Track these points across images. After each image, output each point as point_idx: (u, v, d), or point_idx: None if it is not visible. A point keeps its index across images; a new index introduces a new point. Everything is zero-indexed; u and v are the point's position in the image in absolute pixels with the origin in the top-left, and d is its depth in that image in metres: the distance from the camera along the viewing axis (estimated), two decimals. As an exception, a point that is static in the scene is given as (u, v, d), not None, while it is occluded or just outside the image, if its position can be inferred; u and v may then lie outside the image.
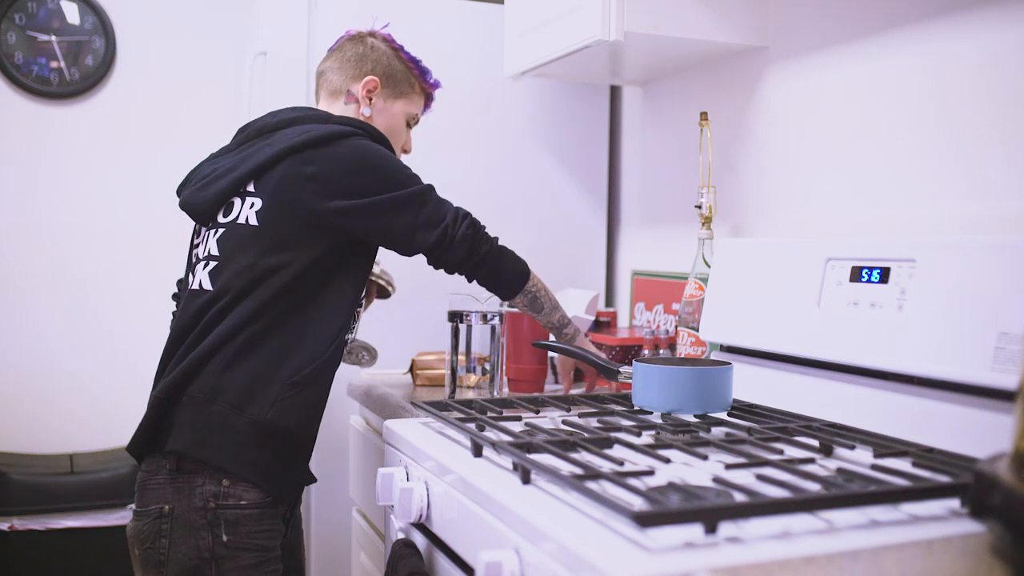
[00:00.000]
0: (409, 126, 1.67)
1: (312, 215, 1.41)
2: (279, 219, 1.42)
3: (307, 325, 1.42)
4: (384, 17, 1.83)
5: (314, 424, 1.46)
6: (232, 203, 1.46)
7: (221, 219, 1.46)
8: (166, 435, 1.37)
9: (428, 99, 1.71)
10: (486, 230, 1.54)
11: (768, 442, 1.16)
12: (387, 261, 1.78)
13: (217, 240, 1.45)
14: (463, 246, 1.48)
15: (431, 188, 1.50)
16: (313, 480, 1.51)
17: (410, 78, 1.64)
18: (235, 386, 1.36)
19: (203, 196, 1.49)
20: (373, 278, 1.75)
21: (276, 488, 1.39)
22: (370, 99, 1.59)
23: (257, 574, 1.37)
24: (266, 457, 1.37)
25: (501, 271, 1.54)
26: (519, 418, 1.33)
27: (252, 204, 1.44)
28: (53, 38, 2.83)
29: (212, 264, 1.44)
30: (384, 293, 1.79)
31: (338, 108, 1.59)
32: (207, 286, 1.43)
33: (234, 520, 1.34)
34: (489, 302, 1.71)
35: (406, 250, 1.51)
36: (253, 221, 1.43)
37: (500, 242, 1.57)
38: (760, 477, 0.97)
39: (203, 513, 1.33)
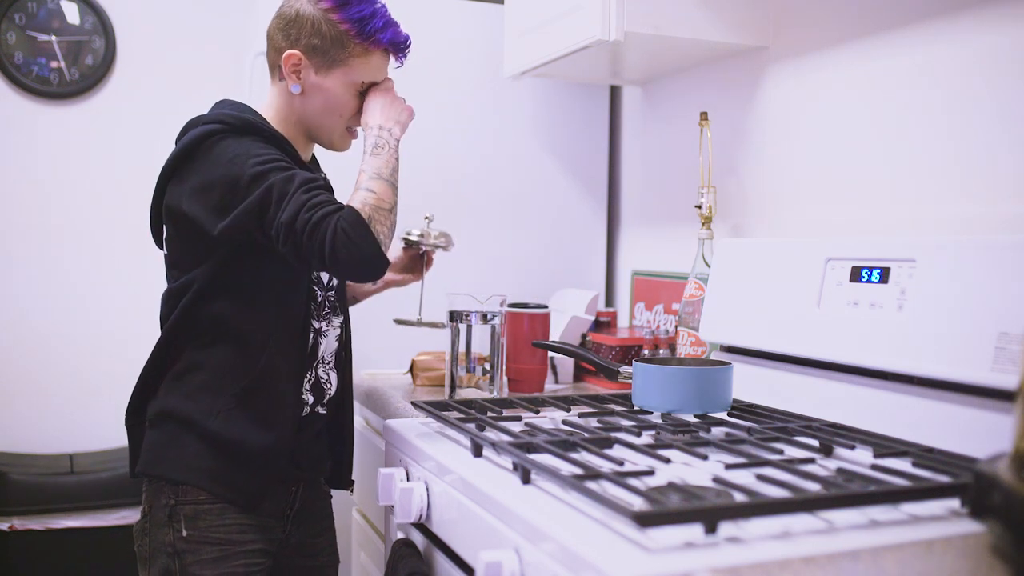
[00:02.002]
0: (362, 93, 1.48)
1: (192, 230, 1.38)
2: (176, 241, 1.42)
3: (240, 336, 1.40)
4: (384, 17, 1.82)
5: (271, 434, 1.40)
6: (164, 232, 1.47)
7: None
8: (138, 459, 1.45)
9: (392, 52, 1.48)
10: (310, 226, 1.28)
11: (768, 442, 1.16)
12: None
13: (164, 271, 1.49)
14: (294, 260, 1.33)
15: (270, 189, 1.30)
16: (298, 480, 1.48)
17: (343, 41, 1.42)
18: (182, 404, 1.39)
19: (153, 235, 1.52)
20: (425, 247, 1.69)
21: (229, 492, 1.38)
22: (297, 75, 1.43)
23: (222, 568, 1.37)
24: (217, 465, 1.38)
25: (349, 263, 1.30)
26: (519, 418, 1.33)
27: (165, 232, 1.45)
28: (53, 38, 2.83)
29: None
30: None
31: (275, 85, 1.48)
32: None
33: (192, 515, 1.37)
34: (489, 302, 1.71)
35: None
36: (166, 250, 1.46)
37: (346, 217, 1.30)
38: (760, 477, 0.97)
39: (166, 510, 1.37)
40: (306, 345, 1.46)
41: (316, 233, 1.28)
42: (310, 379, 1.48)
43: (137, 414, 1.46)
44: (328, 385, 1.51)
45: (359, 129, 1.52)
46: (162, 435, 1.41)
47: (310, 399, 1.48)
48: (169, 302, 1.43)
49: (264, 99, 1.51)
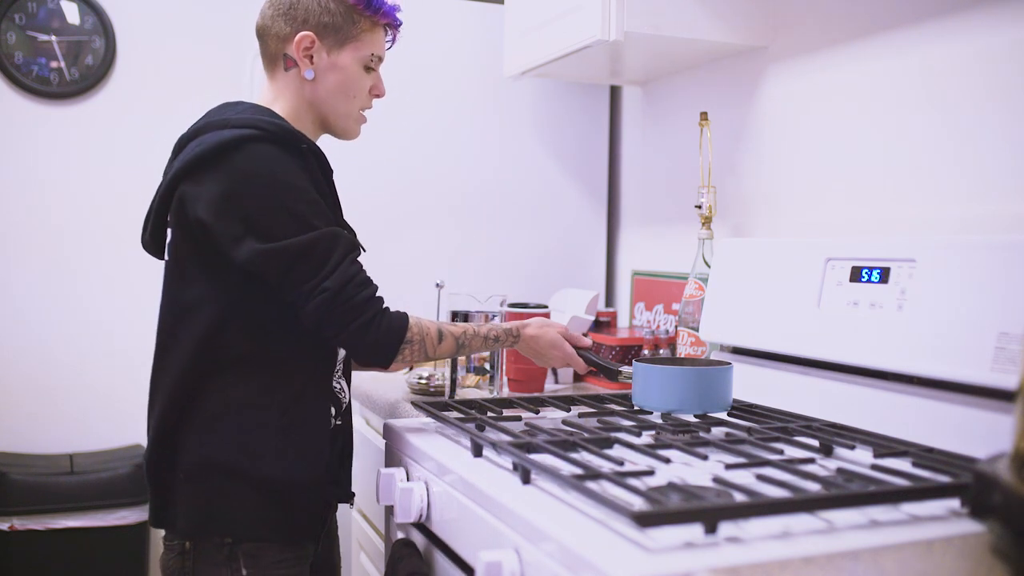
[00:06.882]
0: (370, 69, 1.45)
1: (204, 238, 1.28)
2: (184, 250, 1.31)
3: (272, 365, 1.31)
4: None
5: (318, 463, 1.34)
6: (166, 237, 1.37)
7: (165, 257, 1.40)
8: (173, 515, 1.32)
9: (390, 27, 1.47)
10: (353, 302, 1.27)
11: (768, 442, 1.16)
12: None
13: (163, 278, 1.38)
14: (313, 320, 1.28)
15: (315, 243, 1.27)
16: (334, 500, 1.44)
17: (353, 17, 1.41)
18: (225, 452, 1.29)
19: (145, 239, 1.43)
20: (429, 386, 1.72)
21: (288, 534, 1.32)
22: (310, 59, 1.39)
23: None
24: (273, 511, 1.30)
25: (369, 351, 1.32)
26: (519, 418, 1.33)
27: (170, 237, 1.35)
28: (53, 38, 2.83)
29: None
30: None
31: (279, 78, 1.42)
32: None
33: (253, 552, 1.29)
34: (489, 302, 1.71)
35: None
36: (168, 256, 1.35)
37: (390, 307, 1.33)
38: (760, 477, 0.97)
39: (223, 549, 1.28)
40: (333, 357, 1.40)
41: (355, 308, 1.28)
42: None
43: (162, 464, 1.32)
44: (343, 394, 1.44)
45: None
46: (206, 489, 1.29)
47: (332, 412, 1.41)
48: (178, 323, 1.31)
49: (266, 98, 1.43)
